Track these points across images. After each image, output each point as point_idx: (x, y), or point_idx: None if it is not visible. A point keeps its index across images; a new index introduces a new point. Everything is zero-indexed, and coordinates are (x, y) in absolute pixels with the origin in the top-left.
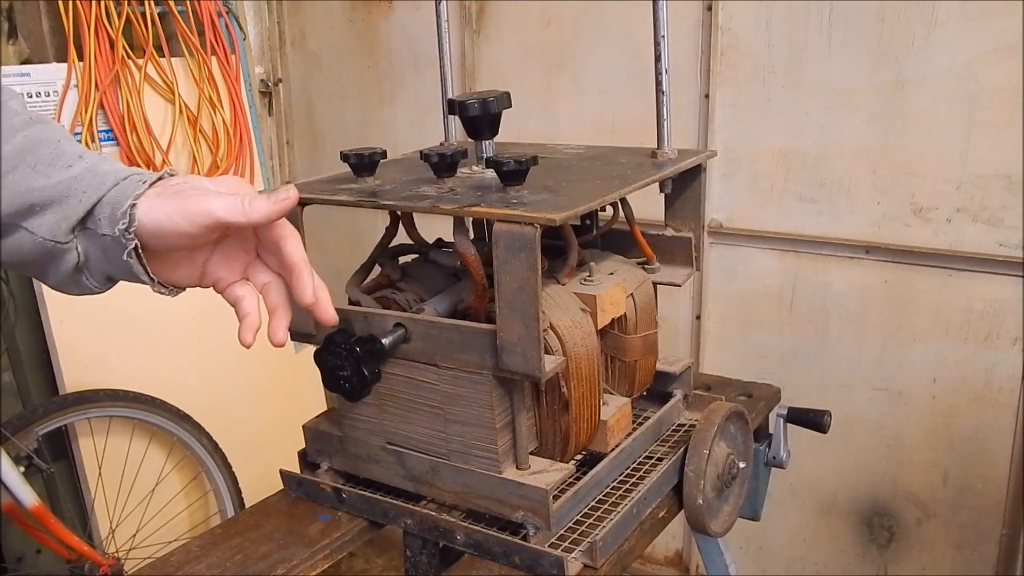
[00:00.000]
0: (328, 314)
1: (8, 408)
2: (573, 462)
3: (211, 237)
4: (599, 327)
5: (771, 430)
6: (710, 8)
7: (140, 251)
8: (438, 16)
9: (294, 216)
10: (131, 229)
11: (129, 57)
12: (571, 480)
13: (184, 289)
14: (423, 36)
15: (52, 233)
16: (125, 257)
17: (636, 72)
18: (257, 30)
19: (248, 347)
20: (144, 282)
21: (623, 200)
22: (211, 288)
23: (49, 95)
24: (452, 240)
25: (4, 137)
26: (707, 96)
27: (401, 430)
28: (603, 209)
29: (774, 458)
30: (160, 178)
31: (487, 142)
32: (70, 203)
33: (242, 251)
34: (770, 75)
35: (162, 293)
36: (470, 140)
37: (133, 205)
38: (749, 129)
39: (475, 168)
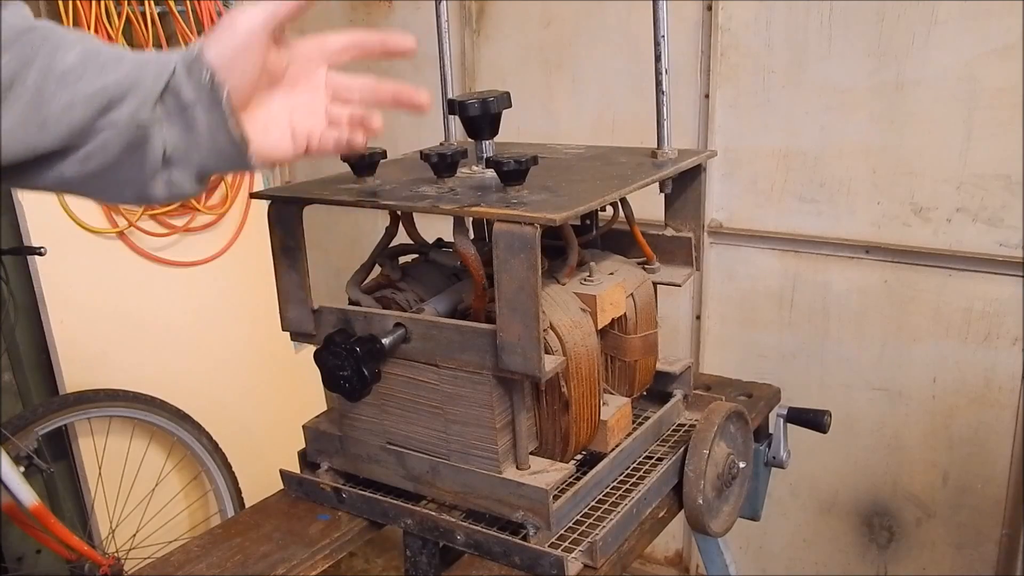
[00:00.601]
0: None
1: (8, 408)
2: (573, 462)
3: (270, 41)
4: (599, 327)
5: (771, 430)
6: (710, 8)
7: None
8: (438, 16)
9: (295, 216)
10: (215, 79)
11: None
12: (571, 480)
13: (277, 161)
14: (423, 36)
15: (134, 115)
16: (223, 105)
17: (636, 72)
18: None
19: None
20: (236, 145)
21: (623, 200)
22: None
23: None
24: (452, 240)
25: (60, 53)
26: (707, 96)
27: (401, 430)
28: (603, 209)
29: (774, 458)
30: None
31: (487, 142)
32: (145, 84)
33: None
34: (770, 75)
35: (251, 163)
36: (470, 140)
37: (200, 55)
38: (749, 129)
39: (475, 168)
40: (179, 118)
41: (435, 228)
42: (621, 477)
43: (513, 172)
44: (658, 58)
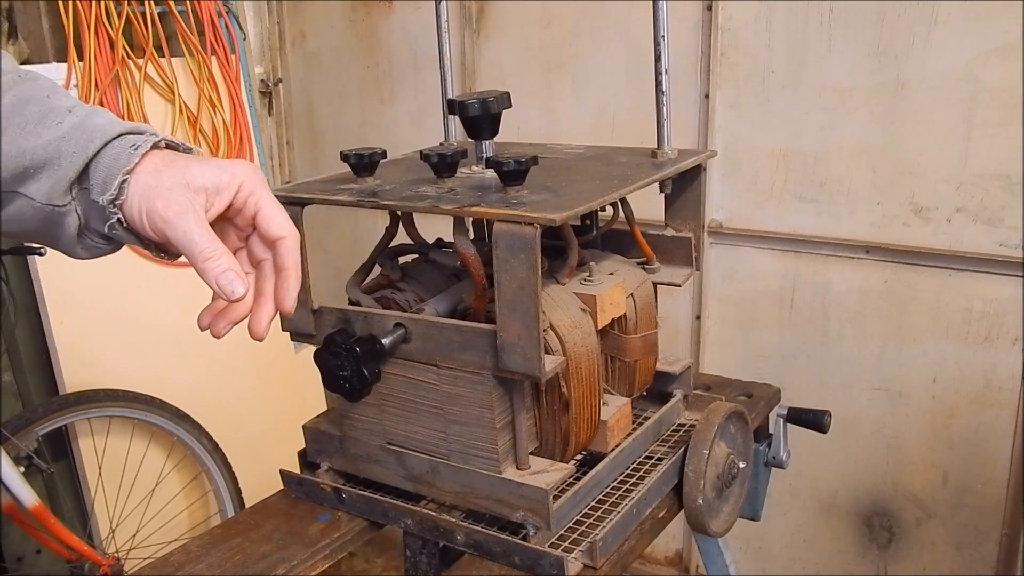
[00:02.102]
0: (260, 329)
1: (8, 408)
2: (573, 462)
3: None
4: (599, 327)
5: (771, 430)
6: (710, 8)
7: (124, 222)
8: (438, 16)
9: (295, 218)
10: (118, 202)
11: (129, 57)
12: (571, 480)
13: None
14: (423, 36)
15: (48, 197)
16: (106, 229)
17: (636, 72)
18: (257, 30)
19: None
20: (128, 238)
21: (623, 200)
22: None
23: None
24: (452, 240)
25: None
26: (707, 96)
27: (401, 430)
28: (603, 209)
29: (774, 458)
30: (157, 145)
31: (487, 142)
32: (61, 165)
33: (234, 232)
34: (770, 75)
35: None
36: (470, 140)
37: (124, 180)
38: (749, 129)
39: (475, 168)
40: (91, 202)
41: (435, 228)
42: (621, 477)
43: (513, 172)
44: (658, 58)
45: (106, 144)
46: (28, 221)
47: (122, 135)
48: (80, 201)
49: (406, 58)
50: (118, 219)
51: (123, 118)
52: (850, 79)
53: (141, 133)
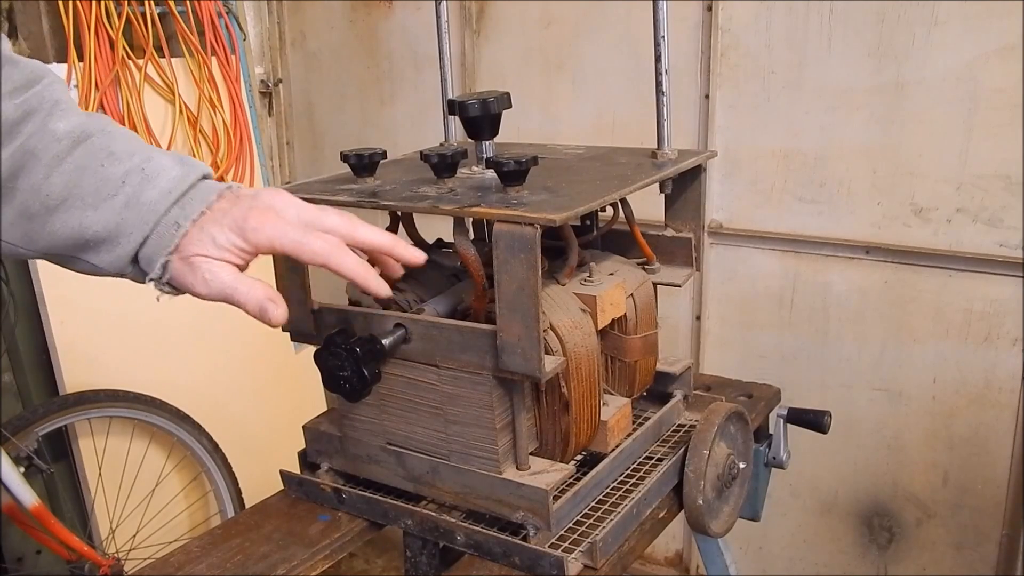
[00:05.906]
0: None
1: (8, 408)
2: (573, 462)
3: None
4: (599, 327)
5: (771, 430)
6: (710, 8)
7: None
8: (438, 16)
9: None
10: (164, 279)
11: (129, 57)
12: (571, 480)
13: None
14: (423, 36)
15: (114, 267)
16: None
17: (636, 72)
18: (257, 30)
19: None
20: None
21: (623, 200)
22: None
23: None
24: (452, 240)
25: (48, 170)
26: (707, 96)
27: (401, 430)
28: (603, 209)
29: (774, 458)
30: (203, 211)
31: (487, 142)
32: (120, 243)
33: None
34: (770, 75)
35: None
36: (470, 140)
37: (167, 261)
38: (749, 129)
39: (475, 168)
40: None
41: (435, 228)
42: (621, 477)
43: (513, 172)
44: (658, 58)
45: (157, 224)
46: (89, 271)
47: (169, 212)
48: (139, 268)
49: (406, 58)
50: (167, 284)
51: (123, 119)
52: (850, 79)
53: (190, 187)
